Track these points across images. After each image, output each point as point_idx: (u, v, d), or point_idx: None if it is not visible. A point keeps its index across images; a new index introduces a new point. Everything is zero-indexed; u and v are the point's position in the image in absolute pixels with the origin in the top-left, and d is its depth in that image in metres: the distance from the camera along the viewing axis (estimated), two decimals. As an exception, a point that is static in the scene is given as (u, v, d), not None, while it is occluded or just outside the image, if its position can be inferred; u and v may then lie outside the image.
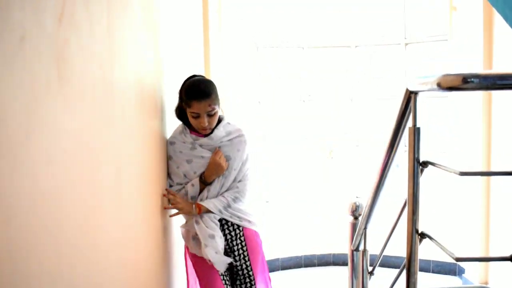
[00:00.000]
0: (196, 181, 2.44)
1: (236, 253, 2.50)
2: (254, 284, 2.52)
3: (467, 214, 4.33)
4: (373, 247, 2.61)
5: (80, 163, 1.34)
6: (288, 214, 4.94)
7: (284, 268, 4.88)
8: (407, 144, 1.61)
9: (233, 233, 2.51)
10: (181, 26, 3.08)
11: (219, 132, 2.44)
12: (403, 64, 4.80)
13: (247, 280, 2.51)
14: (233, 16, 4.68)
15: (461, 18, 4.40)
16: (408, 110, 1.68)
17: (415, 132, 1.56)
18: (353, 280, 2.54)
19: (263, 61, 4.87)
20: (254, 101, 4.82)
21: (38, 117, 1.12)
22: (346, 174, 4.97)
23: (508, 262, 1.34)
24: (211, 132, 2.44)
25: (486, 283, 4.14)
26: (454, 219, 4.53)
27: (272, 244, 4.48)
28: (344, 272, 4.79)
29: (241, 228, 2.53)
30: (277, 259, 4.82)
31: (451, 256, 1.39)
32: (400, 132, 1.78)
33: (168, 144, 2.47)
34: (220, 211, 2.44)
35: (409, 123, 1.60)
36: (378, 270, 2.46)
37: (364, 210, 2.29)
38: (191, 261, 2.57)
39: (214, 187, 2.46)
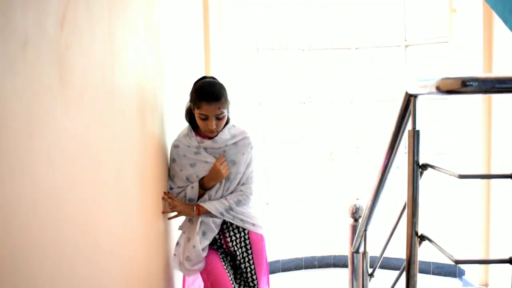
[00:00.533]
0: (196, 184, 2.43)
1: (239, 256, 2.50)
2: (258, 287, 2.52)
3: (467, 216, 4.34)
4: (373, 249, 2.62)
5: (80, 165, 1.35)
6: (289, 216, 4.95)
7: (284, 269, 4.89)
8: (407, 146, 1.62)
9: (237, 235, 2.51)
10: (181, 29, 3.09)
11: (224, 135, 2.43)
12: (403, 66, 4.81)
13: (251, 284, 2.50)
14: (233, 18, 4.70)
15: (461, 20, 4.41)
16: (408, 113, 1.68)
17: (415, 135, 1.56)
18: (353, 282, 2.55)
19: (263, 63, 4.88)
20: (255, 103, 4.83)
21: (40, 119, 1.13)
22: (346, 176, 4.98)
23: (508, 265, 1.35)
24: (216, 135, 2.42)
25: (486, 285, 4.15)
26: (454, 221, 4.53)
27: (272, 245, 4.48)
28: (344, 274, 4.79)
29: (246, 231, 2.51)
30: (278, 261, 4.83)
31: (450, 259, 1.39)
32: (400, 135, 1.79)
33: (172, 147, 2.46)
34: (222, 214, 2.43)
35: (409, 126, 1.61)
36: (378, 272, 2.47)
37: (364, 212, 2.30)
38: None
39: (218, 191, 2.46)
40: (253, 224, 2.53)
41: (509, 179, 1.37)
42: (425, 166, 1.58)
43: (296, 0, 4.92)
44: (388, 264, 4.66)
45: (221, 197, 2.47)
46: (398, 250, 2.48)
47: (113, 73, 1.63)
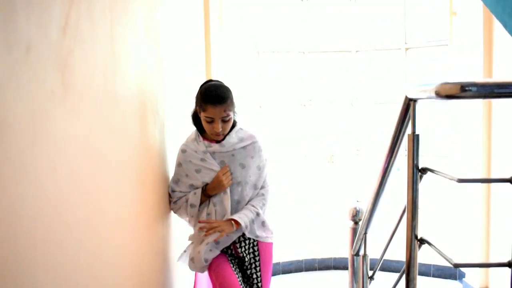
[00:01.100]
0: (198, 190, 2.42)
1: (247, 262, 2.50)
2: None
3: (467, 219, 4.35)
4: (373, 251, 2.63)
5: (83, 169, 1.36)
6: (289, 218, 4.95)
7: (285, 272, 4.90)
8: (406, 150, 1.63)
9: (247, 242, 2.51)
10: (182, 30, 3.11)
11: (231, 138, 2.42)
12: (404, 68, 4.82)
13: None
14: (234, 20, 4.71)
15: (461, 23, 4.42)
16: (407, 117, 1.70)
17: (414, 139, 1.57)
18: (353, 285, 2.56)
19: (264, 65, 4.89)
20: (255, 105, 4.84)
21: (43, 123, 1.14)
22: (347, 178, 4.99)
23: (507, 268, 1.36)
24: (223, 139, 2.41)
25: (487, 287, 4.15)
26: (455, 223, 4.54)
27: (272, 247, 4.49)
28: (345, 276, 4.80)
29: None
30: (278, 263, 4.84)
31: (449, 262, 1.40)
32: (400, 139, 1.79)
33: (180, 151, 2.46)
34: (246, 227, 2.43)
35: (409, 130, 1.62)
36: (378, 274, 2.47)
37: (364, 215, 2.31)
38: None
39: (234, 196, 2.46)
40: (266, 237, 2.55)
41: (508, 183, 1.37)
42: (424, 170, 1.58)
43: (297, 3, 4.94)
44: (388, 267, 4.66)
45: (236, 203, 2.47)
46: (398, 252, 2.49)
47: (114, 76, 1.64)
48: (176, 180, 2.47)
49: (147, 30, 2.10)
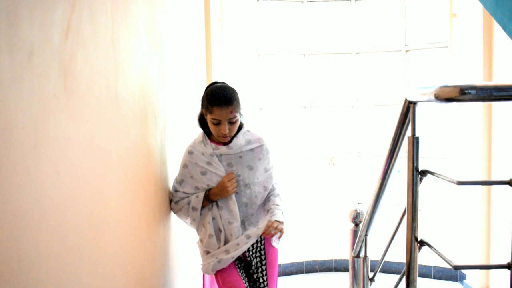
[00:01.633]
0: (201, 194, 2.41)
1: (254, 266, 2.50)
2: None
3: (468, 220, 4.35)
4: (374, 253, 2.63)
5: (85, 173, 1.37)
6: (290, 220, 4.96)
7: (285, 274, 4.90)
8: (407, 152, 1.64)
9: (254, 245, 2.50)
10: (183, 35, 3.12)
11: (239, 140, 2.42)
12: (404, 70, 4.83)
13: None
14: (234, 24, 4.72)
15: (461, 25, 4.43)
16: (407, 120, 1.71)
17: (414, 142, 1.58)
18: (354, 287, 2.57)
19: (265, 68, 4.90)
20: (256, 108, 4.85)
21: (45, 128, 1.16)
22: (348, 180, 4.99)
23: (507, 270, 1.37)
24: (231, 141, 2.42)
25: (487, 289, 4.16)
26: (455, 225, 4.55)
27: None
28: (345, 278, 4.80)
29: (262, 242, 2.53)
30: (279, 265, 4.85)
31: (449, 264, 1.41)
32: (400, 141, 1.81)
33: (186, 152, 2.45)
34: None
35: (408, 132, 1.63)
36: (379, 276, 2.48)
37: (364, 217, 2.32)
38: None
39: (243, 198, 2.45)
40: (278, 242, 2.59)
41: (508, 186, 1.38)
42: (424, 172, 1.60)
43: (297, 5, 4.95)
44: (388, 269, 4.67)
45: (245, 205, 2.47)
46: (398, 254, 2.50)
47: (116, 81, 1.65)
48: (180, 180, 2.46)
49: (148, 34, 2.12)
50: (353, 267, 2.55)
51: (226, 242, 2.44)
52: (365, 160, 4.97)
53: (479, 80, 4.08)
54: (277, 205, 2.53)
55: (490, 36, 4.07)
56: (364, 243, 2.45)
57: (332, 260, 5.00)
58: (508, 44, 3.81)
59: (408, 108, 1.67)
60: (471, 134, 4.25)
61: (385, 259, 2.24)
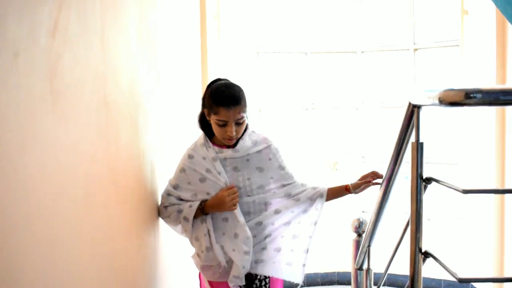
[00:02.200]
0: (195, 204, 2.33)
1: (257, 281, 2.44)
2: None
3: (479, 230, 4.38)
4: (378, 265, 2.66)
5: (73, 177, 1.40)
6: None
7: (286, 287, 4.92)
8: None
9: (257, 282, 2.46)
10: (177, 34, 3.15)
11: (245, 142, 2.35)
12: (412, 70, 4.86)
13: None
14: (232, 21, 4.76)
15: (473, 22, 4.46)
16: (411, 125, 1.74)
17: (418, 148, 1.61)
18: (356, 301, 2.60)
19: (264, 67, 4.94)
20: (255, 109, 4.89)
21: (33, 131, 1.19)
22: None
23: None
24: (236, 144, 2.34)
25: (500, 303, 4.18)
26: (465, 235, 4.57)
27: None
28: (349, 291, 4.82)
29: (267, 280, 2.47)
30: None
31: (454, 277, 1.44)
32: (403, 147, 1.84)
33: (186, 156, 2.38)
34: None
35: (412, 138, 1.66)
36: (383, 290, 2.51)
37: (367, 227, 2.35)
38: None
39: (255, 200, 2.39)
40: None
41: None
42: (429, 180, 1.62)
43: (299, 1, 4.99)
44: (393, 282, 4.69)
45: (266, 204, 2.40)
46: (403, 266, 2.52)
47: (105, 82, 1.68)
48: (175, 185, 2.38)
49: (139, 34, 2.15)
50: (356, 280, 2.58)
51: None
52: (371, 165, 5.00)
53: (491, 81, 4.11)
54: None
55: (504, 34, 4.09)
56: (367, 254, 2.48)
57: (335, 272, 5.02)
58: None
59: (412, 112, 1.70)
60: (484, 138, 4.28)
61: (389, 271, 2.26)
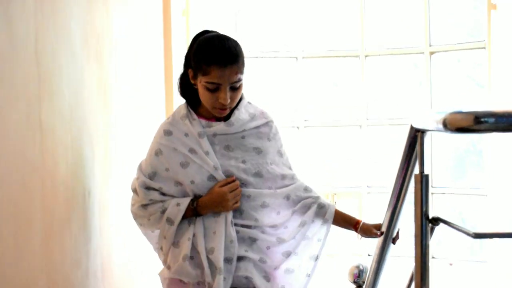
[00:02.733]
0: (184, 202, 2.17)
1: None
2: None
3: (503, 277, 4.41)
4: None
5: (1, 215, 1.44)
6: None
7: None
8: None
9: None
10: (134, 36, 3.19)
11: (241, 114, 2.24)
12: (428, 78, 4.93)
13: None
14: (204, 17, 4.80)
15: (503, 19, 4.51)
16: (415, 153, 1.80)
17: (423, 181, 1.67)
18: None
19: (245, 75, 4.98)
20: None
21: None
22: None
23: None
24: (228, 116, 2.21)
25: None
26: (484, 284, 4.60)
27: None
28: None
29: None
30: None
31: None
32: (407, 179, 1.90)
33: (162, 132, 2.22)
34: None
35: (416, 169, 1.72)
36: None
37: (368, 276, 2.40)
38: None
39: (250, 193, 2.23)
40: None
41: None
42: (436, 220, 1.68)
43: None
44: None
45: (264, 206, 2.25)
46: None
47: (40, 103, 1.73)
48: (150, 173, 2.22)
49: (84, 40, 2.20)
50: None
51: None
52: (377, 197, 5.03)
53: (499, 105, 4.16)
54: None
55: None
56: (369, 310, 2.52)
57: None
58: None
59: (415, 138, 1.76)
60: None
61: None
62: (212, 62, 2.06)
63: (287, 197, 2.30)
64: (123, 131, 2.80)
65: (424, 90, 4.94)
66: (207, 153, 2.18)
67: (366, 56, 5.10)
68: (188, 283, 2.22)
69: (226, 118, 2.21)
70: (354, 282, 2.63)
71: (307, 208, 2.32)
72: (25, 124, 1.63)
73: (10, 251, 1.53)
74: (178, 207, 2.16)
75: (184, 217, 2.17)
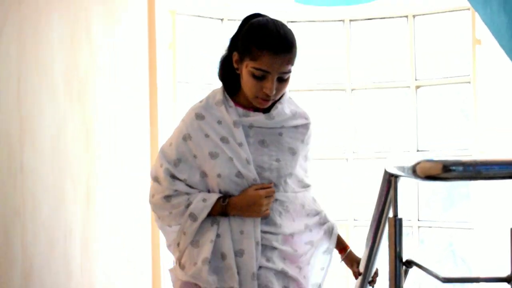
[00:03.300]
0: (212, 198, 2.04)
1: None
2: None
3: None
4: None
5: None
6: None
7: None
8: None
9: None
10: (118, 74, 3.21)
11: (285, 109, 2.11)
12: (413, 112, 5.00)
13: None
14: (192, 51, 4.83)
15: (488, 54, 4.58)
16: (389, 196, 1.85)
17: (396, 224, 1.72)
18: None
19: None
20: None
21: None
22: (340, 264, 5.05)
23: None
24: (269, 109, 2.09)
25: None
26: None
27: None
28: None
29: None
30: None
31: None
32: (383, 222, 1.94)
33: (192, 115, 2.10)
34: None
35: (390, 212, 1.77)
36: None
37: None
38: None
39: (284, 198, 2.14)
40: None
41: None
42: (409, 263, 1.73)
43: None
44: None
45: (282, 205, 2.14)
46: None
47: (21, 146, 1.79)
48: (175, 160, 2.08)
49: (67, 82, 2.26)
50: None
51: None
52: (363, 230, 5.06)
53: (467, 155, 4.11)
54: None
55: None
56: None
57: None
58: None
59: (390, 182, 1.81)
60: (502, 124, 4.29)
61: None
62: (264, 47, 1.94)
63: (303, 205, 2.20)
64: (105, 170, 2.82)
65: (411, 124, 5.01)
66: (240, 144, 2.04)
67: (352, 90, 5.17)
68: None
69: (266, 110, 2.09)
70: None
71: (317, 226, 2.25)
72: (6, 168, 1.68)
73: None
74: (204, 202, 2.02)
75: (209, 215, 2.03)
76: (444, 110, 5.08)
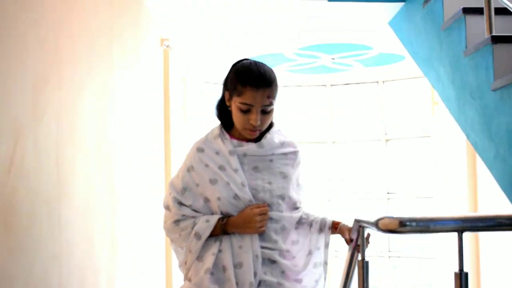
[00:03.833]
0: (213, 219, 2.02)
1: None
2: None
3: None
4: None
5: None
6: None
7: None
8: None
9: None
10: (139, 135, 3.28)
11: (273, 138, 2.09)
12: (385, 161, 5.10)
13: None
14: (201, 111, 4.93)
15: (443, 114, 4.70)
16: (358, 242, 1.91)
17: (364, 266, 1.78)
18: None
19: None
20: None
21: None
22: None
23: None
24: (259, 139, 2.07)
25: None
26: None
27: None
28: None
29: None
30: None
31: None
32: (353, 263, 1.99)
33: (194, 149, 2.11)
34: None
35: (360, 256, 1.83)
36: None
37: None
38: None
39: (279, 217, 2.06)
40: None
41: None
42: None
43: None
44: None
45: (278, 223, 2.07)
46: None
47: (59, 204, 1.87)
48: (182, 189, 2.08)
49: (97, 148, 2.34)
50: None
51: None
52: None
53: (462, 174, 4.27)
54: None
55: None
56: None
57: None
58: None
59: (358, 232, 1.88)
60: (456, 172, 4.44)
61: None
62: (247, 83, 1.95)
63: (298, 223, 2.15)
64: (127, 219, 2.88)
65: (382, 170, 5.10)
66: (235, 170, 2.02)
67: (333, 143, 5.27)
68: None
69: (257, 140, 2.06)
70: None
71: (308, 226, 2.19)
72: (46, 222, 1.76)
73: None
74: (207, 223, 2.01)
75: (211, 235, 2.01)
76: (410, 160, 5.17)
